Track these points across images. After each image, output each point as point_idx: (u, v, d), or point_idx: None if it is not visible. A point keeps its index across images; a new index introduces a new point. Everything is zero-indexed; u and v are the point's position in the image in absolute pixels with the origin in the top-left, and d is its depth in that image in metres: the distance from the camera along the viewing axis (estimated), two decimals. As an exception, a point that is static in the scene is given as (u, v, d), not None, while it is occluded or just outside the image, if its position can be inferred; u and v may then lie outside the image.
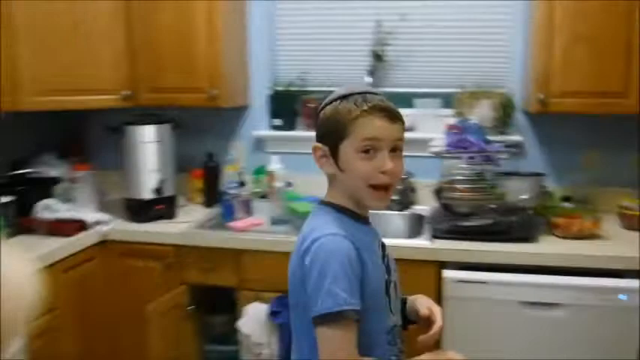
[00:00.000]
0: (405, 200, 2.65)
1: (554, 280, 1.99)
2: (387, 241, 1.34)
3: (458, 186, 2.25)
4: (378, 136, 1.19)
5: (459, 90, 2.68)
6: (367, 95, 1.22)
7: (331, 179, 1.28)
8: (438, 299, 1.99)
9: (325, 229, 1.19)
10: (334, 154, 1.23)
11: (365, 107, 1.19)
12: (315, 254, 1.16)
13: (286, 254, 1.28)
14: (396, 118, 1.22)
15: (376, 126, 1.19)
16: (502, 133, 2.60)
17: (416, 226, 2.47)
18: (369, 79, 2.68)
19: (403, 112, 1.24)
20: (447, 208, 2.29)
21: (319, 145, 1.25)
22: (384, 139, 1.20)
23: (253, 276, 2.28)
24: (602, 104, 2.23)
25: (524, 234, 2.15)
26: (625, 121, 2.44)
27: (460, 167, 2.23)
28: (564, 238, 2.19)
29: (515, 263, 2.05)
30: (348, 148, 1.21)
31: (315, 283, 1.14)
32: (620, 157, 2.52)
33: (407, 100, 2.79)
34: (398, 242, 2.11)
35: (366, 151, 1.20)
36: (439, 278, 2.08)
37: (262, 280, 2.23)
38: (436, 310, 1.32)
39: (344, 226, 1.21)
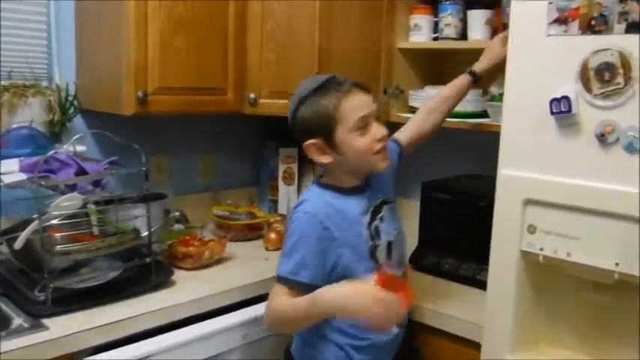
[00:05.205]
0: None
1: (220, 323, 1.57)
2: None
3: (60, 233, 1.47)
4: (367, 113, 1.30)
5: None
6: (334, 79, 1.31)
7: (327, 167, 1.38)
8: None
9: (305, 205, 1.33)
10: (330, 143, 1.30)
11: (343, 89, 1.29)
12: (291, 222, 1.33)
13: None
14: (365, 89, 1.33)
15: (360, 103, 1.30)
16: (58, 142, 1.89)
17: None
18: None
19: None
20: (33, 267, 1.48)
21: (313, 140, 1.31)
22: (369, 112, 1.31)
23: None
24: (202, 102, 1.88)
25: (162, 279, 1.61)
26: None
27: (61, 200, 1.45)
28: (196, 269, 1.76)
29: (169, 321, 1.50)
30: (343, 133, 1.29)
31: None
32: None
33: None
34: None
35: (361, 128, 1.29)
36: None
37: None
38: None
39: (324, 201, 1.34)
